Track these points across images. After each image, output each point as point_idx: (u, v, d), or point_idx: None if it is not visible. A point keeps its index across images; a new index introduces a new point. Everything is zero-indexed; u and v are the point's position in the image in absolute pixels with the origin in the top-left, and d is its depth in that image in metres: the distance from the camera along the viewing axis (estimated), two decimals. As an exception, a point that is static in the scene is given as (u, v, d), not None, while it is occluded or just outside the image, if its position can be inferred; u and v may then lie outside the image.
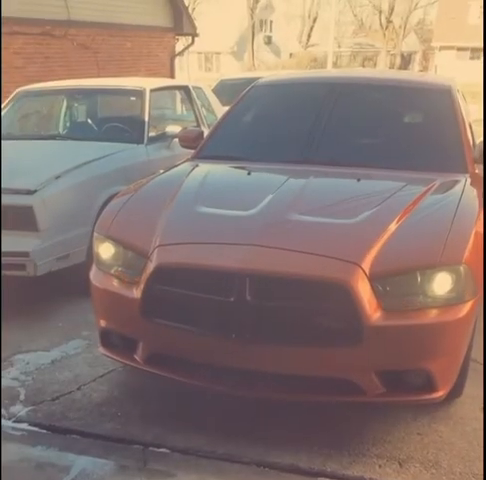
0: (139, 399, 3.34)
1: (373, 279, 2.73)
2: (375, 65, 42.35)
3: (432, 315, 2.78)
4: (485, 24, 7.63)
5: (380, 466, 2.78)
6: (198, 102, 6.77)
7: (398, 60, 42.60)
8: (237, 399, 2.96)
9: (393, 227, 2.97)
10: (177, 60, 15.47)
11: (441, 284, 2.79)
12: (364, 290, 2.71)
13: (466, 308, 2.82)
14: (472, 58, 39.73)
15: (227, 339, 2.80)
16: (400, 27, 42.79)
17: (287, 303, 2.78)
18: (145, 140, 5.58)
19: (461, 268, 2.79)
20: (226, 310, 2.80)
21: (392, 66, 40.76)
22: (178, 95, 7.17)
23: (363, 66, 41.58)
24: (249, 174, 3.83)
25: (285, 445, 2.92)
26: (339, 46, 41.41)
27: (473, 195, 3.44)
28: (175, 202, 3.35)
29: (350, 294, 2.69)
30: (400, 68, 39.59)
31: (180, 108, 7.22)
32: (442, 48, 40.57)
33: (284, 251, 2.87)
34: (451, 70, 28.06)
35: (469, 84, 16.29)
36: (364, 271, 2.73)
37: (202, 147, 4.25)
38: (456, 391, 3.05)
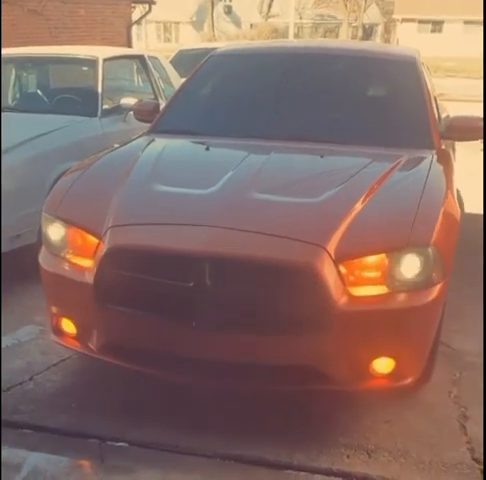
0: (96, 389, 3.15)
1: (339, 262, 2.58)
2: (337, 36, 42.14)
3: (400, 299, 2.65)
4: (485, 19, 7.57)
5: (348, 456, 2.67)
6: (155, 73, 6.48)
7: (360, 32, 42.42)
8: (200, 390, 2.81)
9: (359, 206, 2.81)
10: (134, 30, 15.02)
11: (409, 267, 2.65)
12: (330, 274, 2.56)
13: (435, 291, 2.69)
14: (433, 31, 39.86)
15: (187, 327, 2.63)
16: (361, -2, 42.51)
17: (249, 288, 2.61)
18: (99, 113, 5.30)
19: (429, 250, 2.66)
20: (185, 296, 2.62)
21: (354, 38, 40.57)
22: (134, 66, 6.86)
23: (325, 38, 41.30)
24: (207, 150, 3.62)
25: (250, 437, 2.77)
26: (300, 17, 40.94)
27: (440, 172, 3.30)
28: (129, 179, 3.13)
29: (315, 278, 2.53)
30: (362, 40, 39.41)
31: (136, 79, 6.91)
32: (404, 21, 40.51)
33: (245, 233, 2.70)
34: (413, 43, 27.89)
35: (431, 57, 16.24)
36: (329, 254, 2.58)
37: (158, 121, 4.01)
38: (425, 377, 2.94)
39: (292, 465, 2.62)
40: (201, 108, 4.18)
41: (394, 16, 41.92)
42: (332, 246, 2.60)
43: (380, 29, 45.73)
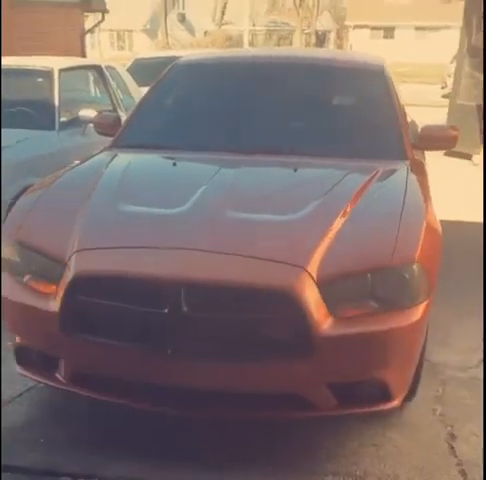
0: (65, 422, 2.95)
1: (321, 284, 2.46)
2: (291, 44, 42.24)
3: (385, 320, 2.53)
4: (485, 21, 7.56)
5: (336, 486, 2.55)
6: (113, 83, 6.29)
7: (313, 39, 42.71)
8: (175, 420, 2.65)
9: (339, 223, 2.70)
10: (88, 38, 14.72)
11: (393, 286, 2.55)
12: (312, 297, 2.43)
13: (420, 310, 2.60)
14: (386, 37, 40.40)
15: (162, 355, 2.47)
16: (313, 6, 42.82)
17: (228, 314, 2.47)
18: (56, 125, 5.09)
19: (414, 267, 2.56)
20: (160, 323, 2.46)
21: (307, 45, 40.80)
22: (91, 76, 6.65)
23: (278, 45, 41.48)
24: (175, 165, 3.47)
25: (228, 467, 2.62)
26: (254, 24, 41.02)
27: (417, 184, 3.22)
28: (93, 199, 2.96)
29: (296, 302, 2.40)
30: (315, 47, 39.74)
31: (93, 90, 6.70)
32: (356, 27, 40.99)
33: (222, 255, 2.55)
34: (365, 49, 28.35)
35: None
36: (311, 275, 2.46)
37: (121, 134, 3.82)
38: (409, 395, 2.85)
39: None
40: (165, 121, 4.01)
41: (346, 23, 42.39)
42: (313, 267, 2.48)
43: (333, 36, 46.18)
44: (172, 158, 3.52)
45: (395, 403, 2.64)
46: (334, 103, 4.14)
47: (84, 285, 2.55)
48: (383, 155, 3.48)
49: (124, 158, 3.54)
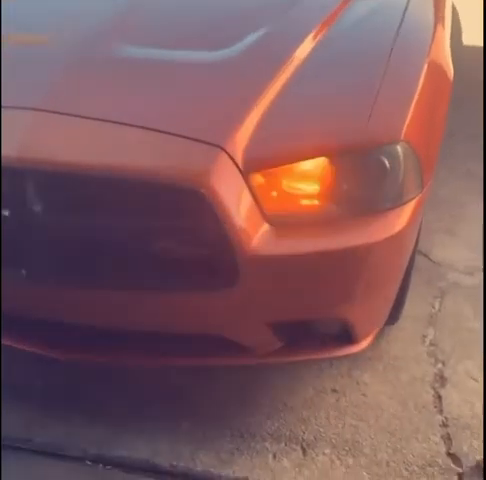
0: None
1: (251, 172, 1.60)
2: None
3: (350, 231, 1.67)
4: (485, 22, 5.70)
5: (275, 456, 1.91)
6: None
7: None
8: (65, 366, 1.98)
9: (287, 73, 1.75)
10: None
11: (366, 177, 1.67)
12: (234, 193, 1.58)
13: (406, 214, 1.71)
14: None
15: (17, 278, 1.72)
16: None
17: (105, 218, 1.64)
18: None
19: (398, 148, 1.67)
20: (7, 231, 1.67)
21: None
22: None
23: None
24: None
25: (136, 432, 1.96)
26: None
27: (426, 8, 2.20)
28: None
29: (209, 201, 1.54)
30: None
31: None
32: None
33: (95, 123, 1.64)
34: None
35: None
36: (233, 159, 1.58)
37: None
38: (390, 319, 2.12)
39: (194, 474, 1.87)
40: None
41: None
42: (239, 145, 1.59)
43: None
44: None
45: (363, 346, 1.92)
46: None
47: None
48: None
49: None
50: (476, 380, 2.11)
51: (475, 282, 2.54)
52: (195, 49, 1.86)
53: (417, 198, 1.76)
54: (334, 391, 2.09)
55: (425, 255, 2.67)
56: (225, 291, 1.67)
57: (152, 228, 1.65)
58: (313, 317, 1.83)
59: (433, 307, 2.42)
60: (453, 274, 2.58)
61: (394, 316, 2.18)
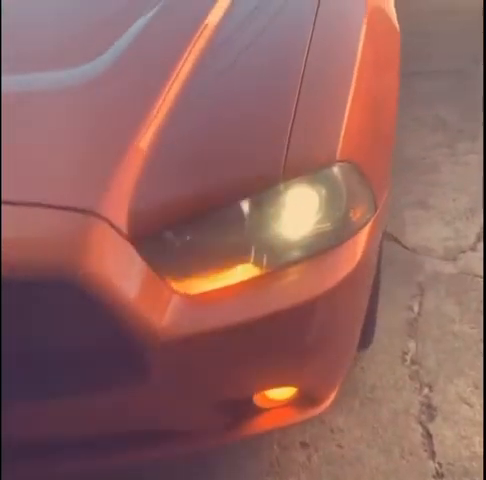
0: None
1: (142, 237, 1.19)
2: None
3: (287, 287, 1.29)
4: (485, 25, 4.85)
5: None
6: None
7: None
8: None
9: (171, 96, 1.31)
10: None
11: (296, 215, 1.28)
12: (124, 269, 1.18)
13: (359, 245, 1.32)
14: None
15: None
16: None
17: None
18: None
19: (335, 171, 1.27)
20: None
21: None
22: None
23: None
24: None
25: None
26: None
27: None
28: None
29: (84, 292, 1.13)
30: None
31: None
32: None
33: None
34: None
35: None
36: (113, 225, 1.17)
37: None
38: (363, 342, 1.77)
39: None
40: None
41: None
42: (120, 204, 1.19)
43: None
44: None
45: (325, 405, 1.56)
46: None
47: None
48: None
49: None
50: (470, 405, 1.77)
51: (457, 269, 2.17)
52: (48, 70, 1.40)
53: (370, 222, 1.37)
54: (304, 445, 1.75)
55: (397, 240, 2.30)
56: (140, 385, 1.31)
57: (47, 331, 1.27)
58: (258, 391, 1.46)
59: (412, 310, 2.05)
60: (431, 262, 2.21)
61: (366, 340, 1.83)
